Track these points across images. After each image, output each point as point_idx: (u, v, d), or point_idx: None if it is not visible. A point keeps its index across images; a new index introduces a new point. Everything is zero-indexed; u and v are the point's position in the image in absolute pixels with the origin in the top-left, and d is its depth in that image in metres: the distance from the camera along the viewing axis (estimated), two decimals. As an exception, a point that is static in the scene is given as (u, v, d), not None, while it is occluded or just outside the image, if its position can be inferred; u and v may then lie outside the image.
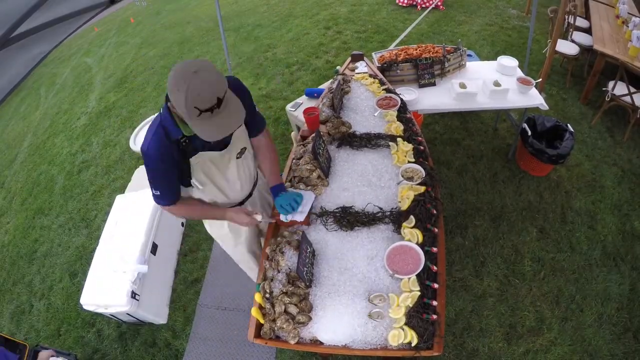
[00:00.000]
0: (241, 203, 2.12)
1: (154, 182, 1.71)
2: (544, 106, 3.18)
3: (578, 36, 4.97)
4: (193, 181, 1.80)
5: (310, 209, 2.09)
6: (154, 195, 1.75)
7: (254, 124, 1.94)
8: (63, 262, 3.81)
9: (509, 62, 3.49)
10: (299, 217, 2.03)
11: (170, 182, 1.73)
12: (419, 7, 7.12)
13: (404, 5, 7.24)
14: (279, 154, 3.04)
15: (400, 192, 2.09)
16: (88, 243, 3.90)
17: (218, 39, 7.05)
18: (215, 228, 2.25)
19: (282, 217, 2.02)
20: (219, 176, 1.86)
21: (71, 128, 6.04)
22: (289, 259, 1.91)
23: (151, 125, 1.64)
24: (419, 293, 1.69)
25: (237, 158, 1.87)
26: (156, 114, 1.66)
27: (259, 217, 1.94)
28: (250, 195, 2.15)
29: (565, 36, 5.03)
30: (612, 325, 2.74)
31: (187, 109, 1.38)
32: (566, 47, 4.75)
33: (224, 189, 1.94)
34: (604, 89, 4.20)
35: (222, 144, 1.75)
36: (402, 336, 1.60)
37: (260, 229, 2.48)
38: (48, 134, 6.13)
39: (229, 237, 2.27)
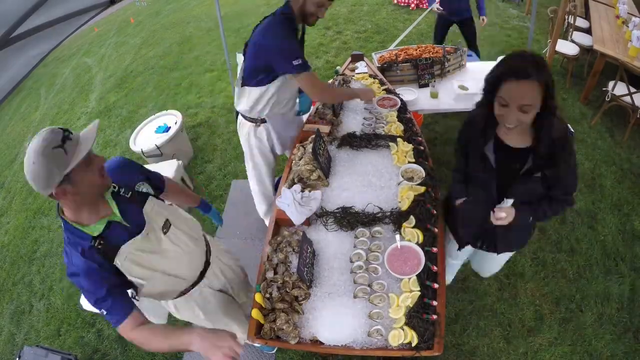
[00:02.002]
0: (201, 275, 1.83)
1: (96, 301, 1.40)
2: None
3: (578, 36, 4.98)
4: (133, 280, 1.51)
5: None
6: (104, 316, 1.42)
7: (158, 186, 1.79)
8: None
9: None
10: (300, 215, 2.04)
11: (110, 295, 1.40)
12: (412, 6, 7.11)
13: (403, 4, 7.24)
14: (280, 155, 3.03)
15: (401, 193, 2.09)
16: (88, 243, 3.89)
17: (218, 39, 7.05)
18: (183, 311, 1.91)
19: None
20: (159, 259, 1.58)
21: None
22: (289, 259, 1.92)
23: (64, 250, 1.43)
24: (419, 293, 1.69)
25: (165, 233, 1.60)
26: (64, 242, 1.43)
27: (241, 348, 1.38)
28: (208, 263, 1.87)
29: (565, 36, 5.03)
30: (612, 325, 2.74)
31: (52, 159, 1.23)
32: (566, 47, 4.76)
33: (173, 270, 1.65)
34: (604, 89, 4.20)
35: (137, 227, 1.50)
36: (403, 336, 1.60)
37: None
38: (48, 134, 6.13)
39: (200, 316, 1.95)
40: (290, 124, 2.73)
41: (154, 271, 1.57)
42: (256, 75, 2.29)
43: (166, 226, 1.62)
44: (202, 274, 1.83)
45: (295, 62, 2.12)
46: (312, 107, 2.90)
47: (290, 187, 2.23)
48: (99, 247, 1.39)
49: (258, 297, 1.78)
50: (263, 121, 2.55)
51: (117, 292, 1.43)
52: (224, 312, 2.03)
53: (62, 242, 3.97)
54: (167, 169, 3.74)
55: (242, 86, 2.40)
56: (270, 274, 1.87)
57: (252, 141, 2.68)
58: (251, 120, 2.56)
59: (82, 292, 1.44)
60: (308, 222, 2.08)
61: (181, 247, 1.66)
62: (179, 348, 1.42)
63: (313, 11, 2.15)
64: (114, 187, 1.48)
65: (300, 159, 2.38)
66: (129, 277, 1.48)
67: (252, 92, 2.37)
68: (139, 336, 1.43)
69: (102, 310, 1.41)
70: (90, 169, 1.32)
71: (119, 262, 1.43)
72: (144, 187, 1.62)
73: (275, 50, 2.14)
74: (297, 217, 2.04)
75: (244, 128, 2.65)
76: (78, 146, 1.30)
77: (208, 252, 1.89)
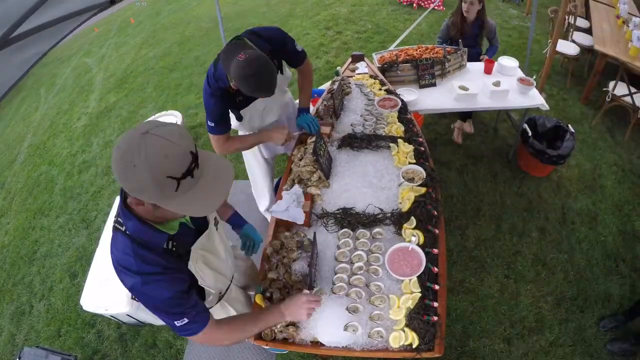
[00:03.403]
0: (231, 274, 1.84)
1: (172, 312, 1.25)
2: (545, 106, 3.18)
3: (578, 36, 4.97)
4: (204, 286, 1.49)
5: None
6: (180, 328, 1.28)
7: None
8: (63, 262, 3.81)
9: (509, 62, 3.49)
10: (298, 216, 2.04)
11: (189, 298, 1.29)
12: (415, 6, 7.11)
13: (406, 3, 7.24)
14: (279, 155, 3.03)
15: (401, 194, 2.09)
16: (88, 244, 3.89)
17: (218, 40, 7.03)
18: (221, 312, 1.88)
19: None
20: (215, 259, 1.55)
21: (71, 128, 6.03)
22: (289, 260, 1.91)
23: (120, 257, 1.19)
24: (419, 295, 1.68)
25: (217, 230, 1.58)
26: (115, 242, 1.23)
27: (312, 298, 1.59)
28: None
29: (565, 36, 5.02)
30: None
31: (158, 184, 0.98)
32: (567, 47, 4.75)
33: (222, 269, 1.65)
34: (604, 89, 4.20)
35: (202, 226, 1.45)
36: (403, 338, 1.59)
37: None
38: (48, 135, 6.13)
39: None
40: (290, 119, 2.73)
41: (210, 269, 1.51)
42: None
43: (216, 222, 1.59)
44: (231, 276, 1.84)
45: (209, 124, 2.16)
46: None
47: (290, 187, 2.23)
48: (174, 248, 1.25)
49: (258, 299, 1.77)
50: None
51: (194, 293, 1.32)
52: (249, 309, 2.01)
53: (61, 243, 3.94)
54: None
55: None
56: (270, 275, 1.86)
57: None
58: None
59: (151, 306, 1.23)
60: (309, 223, 2.07)
61: (224, 242, 1.68)
62: (270, 326, 1.58)
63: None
64: None
65: (300, 160, 2.38)
66: (201, 283, 1.41)
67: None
68: (221, 336, 1.40)
69: (184, 319, 1.25)
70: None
71: (192, 265, 1.34)
72: None
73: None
74: (298, 215, 2.05)
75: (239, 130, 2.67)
76: (195, 189, 1.07)
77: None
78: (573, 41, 4.89)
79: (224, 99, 2.08)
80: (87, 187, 4.66)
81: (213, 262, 1.53)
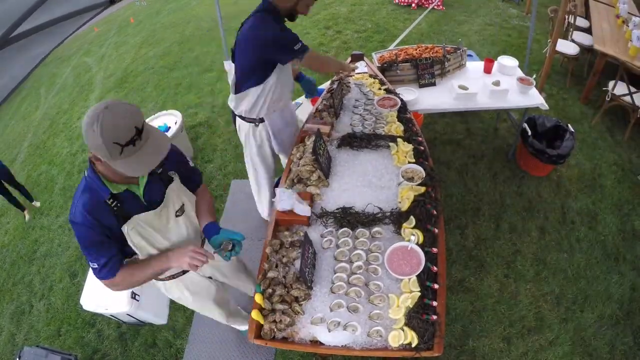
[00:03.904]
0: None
1: (89, 255, 1.50)
2: (544, 106, 3.18)
3: (578, 36, 4.97)
4: (132, 246, 1.60)
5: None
6: (93, 270, 1.53)
7: (193, 181, 1.86)
8: (63, 262, 3.81)
9: (509, 62, 3.49)
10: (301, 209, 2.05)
11: (110, 249, 1.52)
12: (414, 6, 7.11)
13: (403, 4, 7.24)
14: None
15: (401, 193, 2.09)
16: (88, 243, 3.89)
17: (218, 39, 7.02)
18: (176, 291, 2.02)
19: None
20: (160, 238, 1.68)
21: (71, 128, 6.04)
22: (289, 260, 1.92)
23: (76, 192, 1.49)
24: (419, 294, 1.68)
25: (177, 216, 1.72)
26: (80, 183, 1.51)
27: (198, 252, 1.59)
28: None
29: (565, 36, 5.03)
30: (612, 325, 2.74)
31: (107, 147, 1.25)
32: (566, 47, 4.75)
33: (162, 249, 1.72)
34: (604, 88, 4.20)
35: (154, 203, 1.60)
36: (403, 337, 1.59)
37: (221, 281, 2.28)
38: (48, 134, 6.13)
39: (191, 300, 2.08)
40: (289, 124, 2.75)
41: (152, 246, 1.67)
42: (252, 74, 2.33)
43: (180, 210, 1.74)
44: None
45: (296, 47, 2.25)
46: (305, 103, 2.92)
47: (290, 187, 2.23)
48: (115, 207, 1.48)
49: (258, 298, 1.78)
50: (261, 120, 2.57)
51: (114, 246, 1.54)
52: (211, 298, 2.19)
53: (61, 242, 3.96)
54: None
55: (236, 93, 2.44)
56: (270, 275, 1.87)
57: (251, 141, 2.70)
58: (250, 120, 2.57)
59: (79, 242, 1.51)
60: (308, 222, 2.08)
61: (184, 233, 1.79)
62: (159, 272, 1.66)
63: (303, 10, 2.30)
64: None
65: (300, 159, 2.38)
66: (129, 243, 1.58)
67: (251, 93, 2.40)
68: (121, 280, 1.59)
69: (94, 264, 1.51)
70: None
71: (126, 228, 1.53)
72: (174, 175, 1.71)
73: (275, 42, 2.22)
74: (302, 209, 2.07)
75: (242, 129, 2.68)
76: (135, 155, 1.33)
77: (203, 244, 1.99)
78: (573, 41, 4.89)
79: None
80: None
81: (154, 239, 1.66)
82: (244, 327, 2.77)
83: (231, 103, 2.55)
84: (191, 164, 1.87)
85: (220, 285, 2.30)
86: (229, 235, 1.70)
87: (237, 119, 2.64)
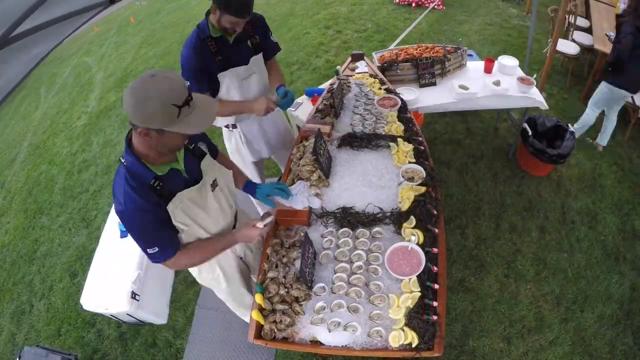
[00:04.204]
0: None
1: (146, 240, 1.56)
2: (544, 106, 3.18)
3: (578, 35, 4.97)
4: (176, 225, 1.64)
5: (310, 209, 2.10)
6: (151, 255, 1.59)
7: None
8: (63, 262, 3.81)
9: (509, 61, 3.49)
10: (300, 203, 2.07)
11: (164, 231, 1.59)
12: (414, 5, 7.11)
13: (403, 3, 7.23)
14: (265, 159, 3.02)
15: (401, 193, 2.09)
16: (88, 243, 3.90)
17: (218, 39, 7.03)
18: (206, 273, 2.09)
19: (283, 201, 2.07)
20: (202, 213, 1.73)
21: (71, 128, 6.04)
22: (289, 260, 1.91)
23: (116, 182, 1.50)
24: (419, 294, 1.68)
25: (212, 190, 1.76)
26: (117, 171, 1.52)
27: (261, 225, 1.81)
28: (234, 227, 2.01)
29: (566, 35, 5.02)
30: (612, 325, 2.74)
31: (165, 111, 1.30)
32: (567, 47, 4.74)
33: (208, 226, 1.79)
34: (604, 88, 4.19)
35: (194, 179, 1.66)
36: (403, 337, 1.59)
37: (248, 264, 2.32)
38: (48, 134, 6.14)
39: (220, 279, 2.13)
40: (267, 131, 2.70)
41: (194, 223, 1.70)
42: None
43: (214, 185, 1.77)
44: None
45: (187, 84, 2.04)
46: (305, 102, 3.03)
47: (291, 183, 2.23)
48: (158, 187, 1.50)
49: (258, 298, 1.78)
50: (234, 126, 2.58)
51: (167, 228, 1.59)
52: (240, 280, 2.22)
53: (62, 242, 3.96)
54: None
55: None
56: (270, 275, 1.87)
57: (227, 145, 2.76)
58: (225, 125, 2.61)
59: (132, 233, 1.53)
60: (308, 222, 2.07)
61: (220, 207, 1.83)
62: (224, 247, 1.83)
63: (228, 27, 2.08)
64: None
65: (300, 159, 2.37)
66: (174, 222, 1.61)
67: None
68: (187, 259, 1.72)
69: (154, 247, 1.55)
70: (184, 136, 1.46)
71: (171, 206, 1.56)
72: (203, 147, 1.77)
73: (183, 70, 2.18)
74: (315, 202, 2.11)
75: (223, 131, 2.72)
76: (191, 116, 1.38)
77: (236, 220, 2.03)
78: (573, 40, 4.89)
79: (203, 55, 2.12)
80: (87, 186, 4.67)
81: (197, 215, 1.70)
82: None
83: None
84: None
85: (247, 270, 2.29)
86: (267, 189, 2.01)
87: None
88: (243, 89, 2.35)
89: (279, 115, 2.83)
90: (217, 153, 1.94)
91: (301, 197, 2.10)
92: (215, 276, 2.09)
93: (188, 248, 1.71)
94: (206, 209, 1.74)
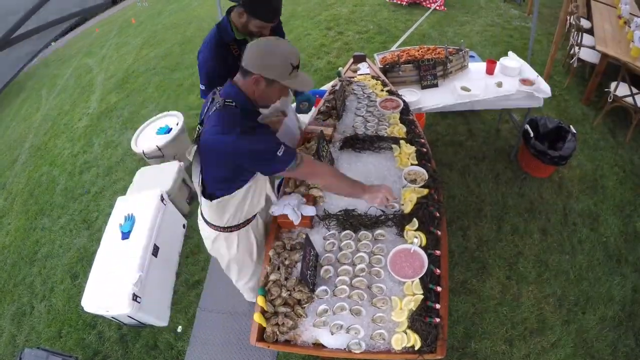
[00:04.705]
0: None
1: (276, 144, 1.61)
2: (547, 94, 3.16)
3: (584, 39, 4.94)
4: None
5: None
6: (282, 157, 1.60)
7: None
8: (64, 263, 3.81)
9: (511, 62, 3.48)
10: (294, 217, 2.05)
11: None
12: (405, 2, 7.12)
13: (402, 3, 7.24)
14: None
15: (403, 195, 2.09)
16: (89, 244, 3.90)
17: (219, 40, 7.03)
18: (224, 241, 2.03)
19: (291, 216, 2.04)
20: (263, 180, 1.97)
21: (72, 129, 6.04)
22: (291, 262, 1.91)
23: (228, 123, 1.58)
24: (422, 296, 1.68)
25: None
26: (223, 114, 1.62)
27: (391, 197, 1.90)
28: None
29: (567, 36, 5.01)
30: (614, 327, 2.73)
31: (284, 66, 1.56)
32: (588, 55, 4.63)
33: (260, 188, 1.96)
34: (606, 90, 4.19)
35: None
36: (405, 340, 1.59)
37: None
38: (49, 135, 6.14)
39: (254, 249, 2.12)
40: (286, 131, 2.58)
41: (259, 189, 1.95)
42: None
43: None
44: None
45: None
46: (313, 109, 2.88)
47: (292, 191, 2.23)
48: (264, 127, 1.70)
49: (260, 301, 1.77)
50: None
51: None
52: (256, 249, 2.17)
53: (62, 243, 3.94)
54: (168, 170, 3.74)
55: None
56: (272, 277, 1.86)
57: None
58: None
59: (254, 150, 1.60)
60: (311, 224, 2.07)
61: (266, 184, 2.02)
62: (355, 196, 1.94)
63: (255, 31, 2.01)
64: None
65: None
66: None
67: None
68: (320, 170, 1.83)
69: (281, 147, 1.61)
70: (282, 94, 1.70)
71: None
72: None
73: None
74: (308, 210, 2.08)
75: None
76: (298, 77, 1.65)
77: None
78: (577, 43, 4.86)
79: (224, 60, 2.07)
80: (88, 187, 4.66)
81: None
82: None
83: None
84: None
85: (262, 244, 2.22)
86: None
87: None
88: None
89: (294, 117, 2.82)
90: None
91: (288, 209, 2.03)
92: (250, 248, 2.12)
93: (321, 163, 1.94)
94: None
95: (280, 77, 1.59)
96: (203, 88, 2.20)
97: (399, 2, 7.24)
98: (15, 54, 1.97)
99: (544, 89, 3.18)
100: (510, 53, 3.67)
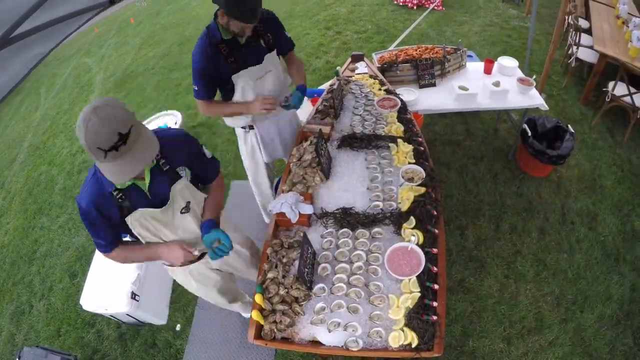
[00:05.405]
0: (200, 257, 2.00)
1: (90, 232, 1.64)
2: (544, 106, 3.18)
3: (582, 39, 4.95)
4: (135, 234, 1.71)
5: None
6: (94, 243, 1.70)
7: (209, 175, 1.92)
8: (63, 262, 3.81)
9: (509, 62, 3.49)
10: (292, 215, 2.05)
11: (107, 232, 1.64)
12: (412, 5, 7.10)
13: (402, 4, 7.24)
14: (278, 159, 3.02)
15: (401, 194, 2.09)
16: (88, 243, 3.89)
17: (218, 40, 7.03)
18: (181, 276, 2.11)
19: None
20: (166, 232, 1.74)
21: (71, 128, 6.04)
22: (289, 260, 1.91)
23: (87, 176, 1.57)
24: (419, 294, 1.68)
25: (182, 213, 1.72)
26: (92, 167, 1.56)
27: (195, 252, 1.76)
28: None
29: (565, 36, 5.01)
30: (612, 325, 2.74)
31: (90, 151, 1.29)
32: (586, 54, 4.66)
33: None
34: (604, 89, 4.20)
35: (160, 199, 1.63)
36: (403, 337, 1.59)
37: (229, 271, 2.30)
38: (48, 135, 6.13)
39: (195, 287, 2.17)
40: (283, 131, 2.69)
41: (156, 237, 1.74)
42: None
43: (186, 208, 1.74)
44: (201, 256, 2.00)
45: (194, 87, 2.24)
46: (305, 103, 2.89)
47: (290, 189, 2.23)
48: (119, 200, 1.54)
49: (258, 299, 1.78)
50: (251, 127, 2.57)
51: (112, 231, 1.66)
52: (216, 287, 2.23)
53: (61, 242, 3.95)
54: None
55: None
56: (270, 275, 1.87)
57: (242, 147, 2.75)
58: (242, 126, 2.60)
59: (84, 223, 1.61)
60: (308, 222, 2.08)
61: (190, 228, 1.79)
62: (151, 260, 1.80)
63: (237, 31, 2.07)
64: (154, 162, 1.58)
65: (299, 160, 2.38)
66: (133, 231, 1.67)
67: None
68: (117, 257, 1.74)
69: (94, 239, 1.65)
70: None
71: (130, 219, 1.60)
72: (183, 172, 1.69)
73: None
74: (305, 209, 2.08)
75: (237, 133, 2.72)
76: (123, 157, 1.34)
77: None
78: (575, 43, 4.87)
79: (215, 60, 2.13)
80: (87, 187, 4.65)
81: (160, 232, 1.72)
82: (247, 314, 2.77)
83: None
84: (208, 155, 1.88)
85: (228, 275, 2.32)
86: (217, 236, 1.73)
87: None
88: (258, 88, 2.32)
89: (294, 115, 2.82)
90: (214, 179, 1.91)
91: (285, 207, 2.04)
92: (189, 283, 2.15)
93: (125, 248, 1.75)
94: (172, 229, 1.74)
95: (94, 160, 1.36)
96: (196, 89, 2.23)
97: (403, 4, 7.21)
98: (24, 56, 1.98)
99: (539, 101, 3.20)
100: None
